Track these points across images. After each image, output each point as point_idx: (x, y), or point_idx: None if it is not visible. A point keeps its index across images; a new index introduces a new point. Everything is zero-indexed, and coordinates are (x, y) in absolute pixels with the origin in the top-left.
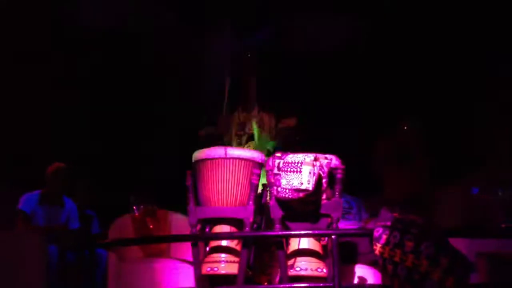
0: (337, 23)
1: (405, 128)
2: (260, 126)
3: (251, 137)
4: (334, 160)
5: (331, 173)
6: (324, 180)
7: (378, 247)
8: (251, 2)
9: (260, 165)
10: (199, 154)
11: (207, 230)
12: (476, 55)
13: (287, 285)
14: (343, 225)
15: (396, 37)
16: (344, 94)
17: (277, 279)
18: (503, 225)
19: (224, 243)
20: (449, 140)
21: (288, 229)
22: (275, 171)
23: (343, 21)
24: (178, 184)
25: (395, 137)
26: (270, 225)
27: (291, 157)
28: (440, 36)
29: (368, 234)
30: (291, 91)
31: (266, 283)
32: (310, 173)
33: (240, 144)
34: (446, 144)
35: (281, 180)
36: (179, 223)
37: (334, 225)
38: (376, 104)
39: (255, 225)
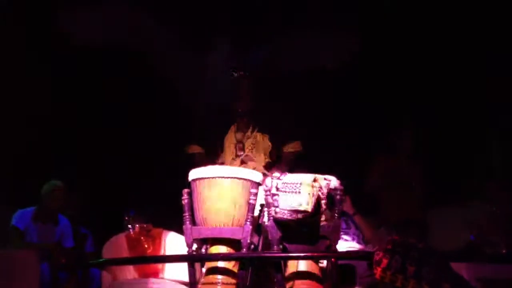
0: (331, 42)
1: (402, 149)
2: (255, 147)
3: (247, 157)
4: (333, 181)
5: (330, 194)
6: (323, 202)
7: (378, 271)
8: (247, 23)
9: (258, 185)
10: (195, 173)
11: (203, 250)
12: (472, 65)
13: None
14: (342, 245)
15: (392, 57)
16: (339, 113)
17: None
18: (504, 250)
19: (221, 264)
20: (447, 160)
21: (286, 250)
22: (273, 191)
23: (337, 40)
24: (174, 203)
25: (392, 158)
26: (267, 246)
27: (290, 178)
28: (437, 55)
29: (368, 257)
30: (285, 111)
31: None
32: (309, 194)
33: (237, 163)
34: (444, 164)
35: (280, 201)
36: (175, 242)
37: (333, 247)
38: (373, 124)
39: (252, 246)
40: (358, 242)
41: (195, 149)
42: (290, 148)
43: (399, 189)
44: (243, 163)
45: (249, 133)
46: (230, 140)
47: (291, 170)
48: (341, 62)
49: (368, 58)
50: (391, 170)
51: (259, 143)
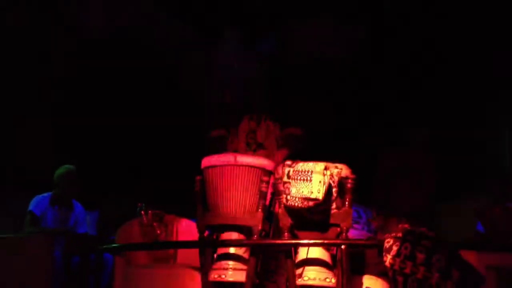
0: (344, 30)
1: (412, 139)
2: (267, 136)
3: (259, 145)
4: (344, 170)
5: (341, 182)
6: (334, 190)
7: (388, 258)
8: (258, 11)
9: (270, 173)
10: (208, 160)
11: (215, 237)
12: (482, 64)
13: None
14: (352, 234)
15: (404, 44)
16: (350, 103)
17: (284, 287)
18: None
19: (232, 250)
20: (457, 152)
21: (297, 238)
22: (285, 179)
23: (350, 28)
24: (187, 190)
25: (401, 148)
26: (278, 233)
27: (301, 166)
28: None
29: (378, 245)
30: (297, 100)
31: None
32: (320, 182)
33: (250, 152)
34: (454, 156)
35: (291, 189)
36: (187, 229)
37: (343, 235)
38: (383, 114)
39: (263, 233)
40: (369, 231)
41: (221, 132)
42: (290, 131)
43: (410, 180)
44: (256, 151)
45: (262, 122)
46: (243, 128)
47: (293, 156)
48: (354, 52)
49: (380, 47)
50: (401, 160)
51: (271, 132)
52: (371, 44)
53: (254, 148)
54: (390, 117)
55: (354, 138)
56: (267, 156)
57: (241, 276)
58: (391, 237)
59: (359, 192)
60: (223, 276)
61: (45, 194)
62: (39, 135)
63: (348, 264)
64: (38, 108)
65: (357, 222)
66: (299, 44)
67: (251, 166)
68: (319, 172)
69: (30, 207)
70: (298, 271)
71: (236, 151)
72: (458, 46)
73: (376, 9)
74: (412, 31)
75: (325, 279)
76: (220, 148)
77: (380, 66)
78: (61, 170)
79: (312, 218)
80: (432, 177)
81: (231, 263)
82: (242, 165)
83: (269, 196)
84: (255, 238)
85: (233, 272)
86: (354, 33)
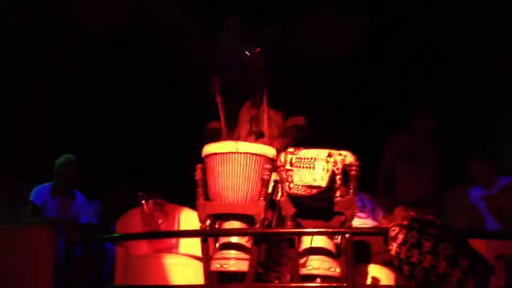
0: (347, 23)
1: (418, 126)
2: (269, 122)
3: (260, 133)
4: (348, 157)
5: (345, 170)
6: (338, 177)
7: (394, 247)
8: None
9: (272, 161)
10: (209, 148)
11: (216, 225)
12: (482, 56)
13: (299, 284)
14: (357, 223)
15: (407, 37)
16: (354, 92)
17: (288, 277)
18: None
19: (234, 239)
20: (464, 138)
21: (300, 226)
22: (287, 166)
23: (352, 21)
24: (188, 178)
25: (408, 136)
26: (281, 222)
27: (304, 153)
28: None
29: (383, 233)
30: (299, 88)
31: (276, 281)
32: (323, 169)
33: (251, 139)
34: (461, 142)
35: (294, 176)
36: (188, 218)
37: (347, 224)
38: (387, 103)
39: (266, 222)
40: (374, 220)
41: (216, 124)
42: (292, 121)
43: (414, 166)
44: (257, 138)
45: (263, 109)
46: (244, 115)
47: (295, 145)
48: (356, 40)
49: (383, 36)
50: (406, 148)
51: (273, 119)
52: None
53: (256, 135)
54: (396, 103)
55: (358, 125)
56: (269, 144)
57: (243, 266)
58: (396, 225)
59: (364, 180)
60: (226, 266)
61: (45, 184)
62: (39, 127)
63: (353, 253)
64: (38, 100)
65: (362, 211)
66: (300, 34)
67: (253, 154)
68: (322, 159)
69: (31, 197)
70: (302, 260)
71: (238, 137)
72: (458, 46)
73: (376, 8)
74: (412, 31)
75: (329, 268)
76: (214, 140)
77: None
78: (61, 159)
79: (316, 206)
80: (439, 163)
81: (233, 253)
82: (244, 153)
83: (271, 183)
84: (257, 227)
85: (236, 261)
86: (358, 24)
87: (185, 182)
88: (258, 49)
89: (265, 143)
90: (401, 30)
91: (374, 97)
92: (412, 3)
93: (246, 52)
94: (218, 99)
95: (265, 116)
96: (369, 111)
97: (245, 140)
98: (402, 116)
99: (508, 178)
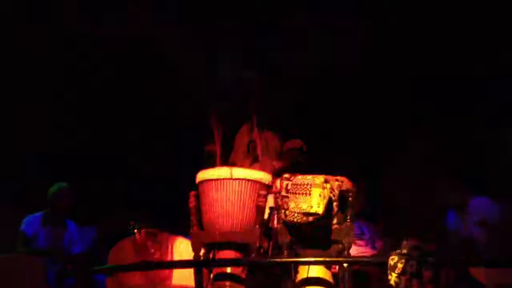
0: (343, 42)
1: (419, 152)
2: (266, 146)
3: (256, 156)
4: (345, 183)
5: (343, 196)
6: (334, 204)
7: (393, 277)
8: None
9: (267, 187)
10: (203, 175)
11: (211, 255)
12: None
13: None
14: (355, 251)
15: (404, 59)
16: (351, 117)
17: None
18: None
19: (229, 269)
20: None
21: (296, 255)
22: (283, 193)
23: (348, 42)
24: (181, 206)
25: (409, 161)
26: (277, 250)
27: (300, 179)
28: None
29: (382, 263)
30: (296, 112)
31: None
32: (320, 196)
33: (248, 162)
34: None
35: (289, 203)
36: (182, 247)
37: (345, 252)
38: (386, 126)
39: (261, 250)
40: (373, 248)
41: (213, 147)
42: (290, 145)
43: (415, 190)
44: (254, 162)
45: (261, 132)
46: (242, 139)
47: (293, 168)
48: (355, 62)
49: (383, 57)
50: (407, 172)
51: (270, 143)
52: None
53: (252, 159)
54: (392, 125)
55: (355, 150)
56: (264, 168)
57: None
58: (395, 254)
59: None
60: None
61: (36, 214)
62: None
63: (351, 283)
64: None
65: (360, 238)
66: (299, 55)
67: (248, 180)
68: (318, 185)
69: (22, 227)
70: None
71: (233, 163)
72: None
73: (375, 16)
74: (411, 38)
75: None
76: (211, 163)
77: (380, 75)
78: (54, 188)
79: (313, 233)
80: (443, 190)
81: (228, 283)
82: (238, 179)
83: (267, 210)
84: (253, 256)
85: None
86: (356, 41)
87: (178, 210)
88: (255, 74)
89: (259, 168)
90: (400, 37)
91: (372, 122)
92: (410, 12)
93: (244, 77)
94: (215, 130)
95: (258, 141)
96: (367, 136)
97: (242, 164)
98: (401, 140)
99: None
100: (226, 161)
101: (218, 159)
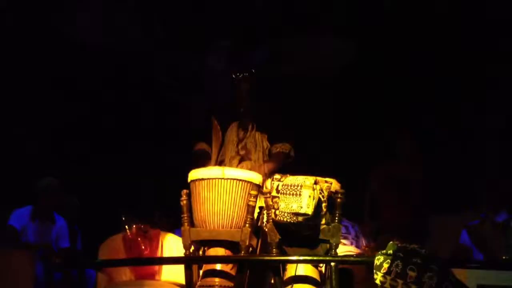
0: (331, 45)
1: (402, 153)
2: (254, 146)
3: (245, 156)
4: (334, 184)
5: (331, 197)
6: (323, 205)
7: (379, 276)
8: (248, 25)
9: (258, 187)
10: (195, 174)
11: (201, 252)
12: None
13: None
14: (341, 250)
15: (392, 60)
16: (339, 117)
17: None
18: (504, 257)
19: (218, 266)
20: (449, 167)
21: (285, 254)
22: (274, 193)
23: (339, 43)
24: (173, 204)
25: (393, 163)
26: (266, 249)
27: (291, 180)
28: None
29: (368, 262)
30: (284, 112)
31: None
32: (310, 196)
33: (235, 162)
34: (446, 171)
35: (280, 203)
36: (172, 244)
37: (333, 252)
38: (372, 128)
39: (250, 249)
40: (357, 247)
41: (203, 146)
42: (279, 148)
43: (397, 192)
44: (241, 161)
45: (249, 132)
46: (229, 138)
47: (280, 170)
48: (342, 64)
49: (368, 60)
50: (390, 174)
51: (258, 143)
52: (361, 58)
53: (240, 159)
54: (381, 129)
55: (344, 151)
56: (252, 168)
57: None
58: (381, 254)
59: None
60: None
61: (25, 207)
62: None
63: (338, 281)
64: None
65: (345, 238)
66: (287, 55)
67: (239, 180)
68: (308, 187)
69: (10, 221)
70: None
71: (222, 162)
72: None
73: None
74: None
75: None
76: (201, 163)
77: (372, 79)
78: (42, 182)
79: (301, 233)
80: (418, 190)
81: (217, 280)
82: (230, 179)
83: (257, 210)
84: (242, 254)
85: None
86: (344, 45)
87: (170, 207)
88: (245, 72)
89: (250, 168)
90: (391, 45)
91: (360, 122)
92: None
93: (234, 75)
94: (214, 129)
95: (248, 141)
96: (355, 137)
97: (229, 163)
98: (388, 141)
99: None
100: (215, 160)
101: (212, 158)
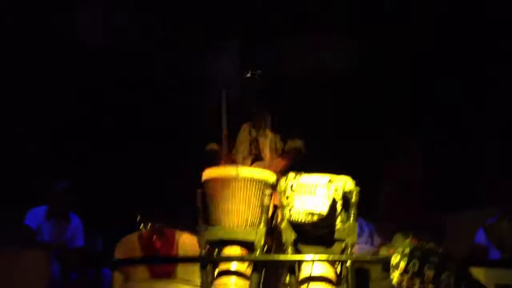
0: (342, 45)
1: (414, 153)
2: (268, 146)
3: (257, 157)
4: (349, 182)
5: (346, 196)
6: (338, 204)
7: (396, 275)
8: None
9: (272, 186)
10: (209, 173)
11: (216, 251)
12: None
13: None
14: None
15: (398, 61)
16: (354, 116)
17: None
18: None
19: (233, 266)
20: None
21: (300, 253)
22: (288, 192)
23: (348, 43)
24: (188, 203)
25: (406, 163)
26: (281, 248)
27: (305, 178)
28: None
29: (384, 261)
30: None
31: None
32: (324, 196)
33: (248, 162)
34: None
35: (294, 202)
36: (188, 243)
37: (348, 251)
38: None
39: (265, 248)
40: (371, 245)
41: (214, 146)
42: (291, 145)
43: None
44: (254, 161)
45: (262, 132)
46: (243, 138)
47: (293, 168)
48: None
49: (368, 60)
50: (403, 174)
51: (272, 143)
52: (368, 57)
53: (253, 158)
54: (390, 128)
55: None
56: (266, 168)
57: None
58: (398, 253)
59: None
60: None
61: (41, 207)
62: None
63: (353, 280)
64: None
65: (359, 236)
66: (297, 55)
67: (254, 179)
68: (323, 186)
69: (26, 220)
70: (302, 287)
71: (234, 161)
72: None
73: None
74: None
75: None
76: (213, 162)
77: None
78: (56, 185)
79: (316, 233)
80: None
81: (232, 279)
82: (244, 178)
83: (271, 209)
84: (257, 254)
85: None
86: (353, 47)
87: (185, 206)
88: (255, 72)
89: (264, 167)
90: (399, 43)
91: (373, 121)
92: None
93: (247, 73)
94: (225, 129)
95: (262, 141)
96: (368, 136)
97: (242, 163)
98: (400, 141)
99: None
100: (228, 160)
101: (224, 157)
